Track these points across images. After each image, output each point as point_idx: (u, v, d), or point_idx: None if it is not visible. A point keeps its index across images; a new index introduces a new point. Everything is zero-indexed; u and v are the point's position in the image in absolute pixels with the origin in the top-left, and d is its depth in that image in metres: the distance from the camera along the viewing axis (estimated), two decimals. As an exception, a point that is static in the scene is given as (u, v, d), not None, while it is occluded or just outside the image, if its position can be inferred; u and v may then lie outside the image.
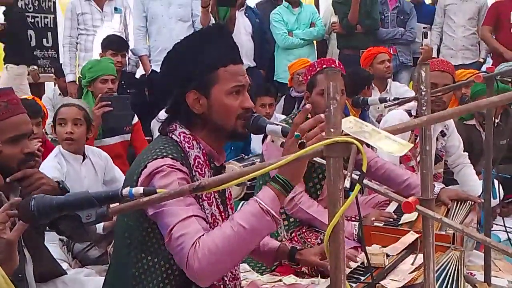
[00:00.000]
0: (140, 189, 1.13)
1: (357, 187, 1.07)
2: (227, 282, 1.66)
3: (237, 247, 1.47)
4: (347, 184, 1.03)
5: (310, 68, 2.85)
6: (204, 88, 1.63)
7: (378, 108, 4.28)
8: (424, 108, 1.48)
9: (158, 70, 4.54)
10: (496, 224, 3.21)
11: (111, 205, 1.15)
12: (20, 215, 1.12)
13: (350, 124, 1.13)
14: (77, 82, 4.49)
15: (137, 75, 5.00)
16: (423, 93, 1.47)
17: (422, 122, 1.14)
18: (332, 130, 1.08)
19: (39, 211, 1.10)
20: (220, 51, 1.64)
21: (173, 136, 1.64)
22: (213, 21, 4.56)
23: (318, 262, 2.05)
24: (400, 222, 2.45)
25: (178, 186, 1.50)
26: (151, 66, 4.73)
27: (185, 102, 1.64)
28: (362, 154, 1.05)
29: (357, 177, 1.11)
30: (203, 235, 1.47)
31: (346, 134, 1.08)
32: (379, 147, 1.07)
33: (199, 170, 1.62)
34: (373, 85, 4.69)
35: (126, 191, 1.12)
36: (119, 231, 1.65)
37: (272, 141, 1.74)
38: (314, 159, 1.65)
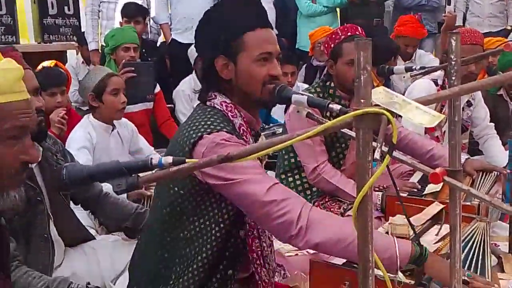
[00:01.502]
0: (169, 159, 1.14)
1: (387, 158, 1.06)
2: (265, 248, 1.69)
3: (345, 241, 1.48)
4: (377, 155, 1.02)
5: (333, 36, 2.77)
6: (231, 54, 1.63)
7: (404, 77, 4.22)
8: (454, 78, 1.45)
9: (178, 39, 4.57)
10: (522, 195, 3.18)
11: (141, 174, 1.16)
12: (53, 184, 1.14)
13: (380, 95, 1.11)
14: (100, 51, 4.50)
15: (158, 43, 5.00)
16: (453, 63, 1.44)
17: (453, 93, 1.12)
18: (362, 101, 1.07)
19: (70, 180, 1.12)
20: (246, 16, 1.64)
21: (215, 105, 1.65)
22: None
23: None
24: (424, 193, 2.44)
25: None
26: (171, 34, 4.71)
27: (214, 67, 1.64)
28: (393, 125, 1.04)
29: (386, 149, 1.10)
30: (305, 203, 1.51)
31: (376, 105, 1.07)
32: (410, 118, 1.06)
33: (244, 137, 1.63)
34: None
35: (155, 160, 1.14)
36: (163, 200, 1.65)
37: (298, 112, 1.73)
38: (343, 130, 1.65)
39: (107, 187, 2.30)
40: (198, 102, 1.72)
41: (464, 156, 2.75)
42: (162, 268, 1.64)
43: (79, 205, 2.27)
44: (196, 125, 1.58)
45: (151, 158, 1.14)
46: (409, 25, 4.63)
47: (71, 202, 2.11)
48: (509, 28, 5.52)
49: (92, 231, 2.51)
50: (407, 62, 4.63)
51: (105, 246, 2.25)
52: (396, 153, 1.52)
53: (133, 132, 3.03)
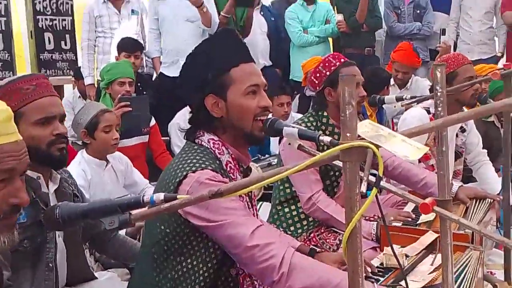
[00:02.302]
0: (161, 196, 1.15)
1: (374, 190, 1.08)
2: (257, 286, 1.69)
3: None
4: (363, 188, 1.04)
5: (327, 64, 2.80)
6: (220, 91, 1.66)
7: (395, 106, 4.27)
8: (440, 109, 1.48)
9: (165, 72, 4.64)
10: (516, 222, 3.19)
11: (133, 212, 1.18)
12: (45, 223, 1.15)
13: (366, 128, 1.14)
14: (95, 85, 4.55)
15: (154, 77, 5.05)
16: (438, 93, 1.48)
17: (437, 125, 1.15)
18: (348, 134, 1.09)
19: (63, 219, 1.13)
20: (229, 52, 1.67)
21: (203, 143, 1.67)
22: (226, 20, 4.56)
23: None
24: (419, 222, 2.45)
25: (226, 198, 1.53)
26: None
27: (204, 107, 1.67)
28: (378, 158, 1.07)
29: (374, 180, 1.12)
30: (288, 248, 1.52)
31: (362, 139, 1.10)
32: (395, 151, 1.08)
33: (231, 175, 1.65)
34: (393, 82, 4.69)
35: (147, 197, 1.15)
36: (152, 238, 1.66)
37: (289, 144, 1.76)
38: (333, 163, 1.67)
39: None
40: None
41: (457, 184, 2.77)
42: None
43: (87, 243, 2.27)
44: (182, 163, 1.60)
45: (143, 196, 1.16)
46: (403, 51, 4.71)
47: None
48: (499, 54, 5.61)
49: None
50: (402, 89, 4.68)
51: (102, 285, 2.23)
52: (387, 184, 1.55)
53: (127, 165, 3.04)
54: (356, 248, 1.09)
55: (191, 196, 1.15)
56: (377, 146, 1.09)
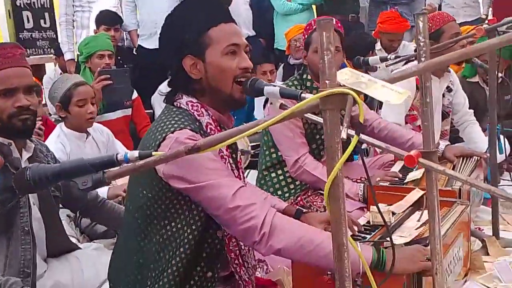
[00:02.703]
0: (135, 153, 1.11)
1: (355, 139, 1.05)
2: (243, 247, 1.67)
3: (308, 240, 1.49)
4: (343, 134, 1.00)
5: (307, 28, 2.79)
6: (198, 52, 1.60)
7: (380, 67, 4.23)
8: (423, 59, 1.44)
9: (143, 45, 4.56)
10: (503, 179, 3.19)
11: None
12: (16, 185, 1.11)
13: (346, 75, 1.10)
14: (76, 60, 4.46)
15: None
16: (421, 44, 1.44)
17: (419, 69, 1.11)
18: (327, 81, 1.05)
19: (34, 180, 1.09)
20: (208, 12, 1.62)
21: (181, 105, 1.62)
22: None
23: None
24: (406, 181, 2.43)
25: (204, 158, 1.49)
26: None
27: (183, 69, 1.62)
28: (359, 104, 1.03)
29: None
30: (270, 209, 1.51)
31: (342, 86, 1.06)
32: (377, 96, 1.04)
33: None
34: (381, 47, 4.64)
35: (121, 155, 1.11)
36: (134, 203, 1.63)
37: (271, 103, 1.72)
38: (309, 116, 1.63)
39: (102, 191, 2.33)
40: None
41: (444, 143, 2.75)
42: (139, 275, 1.61)
43: (78, 213, 2.28)
44: (161, 126, 1.56)
45: (117, 154, 1.12)
46: (391, 21, 4.65)
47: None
48: (483, 17, 5.57)
49: (73, 240, 2.48)
50: (391, 54, 4.63)
51: (88, 255, 2.23)
52: (369, 138, 1.51)
53: (109, 137, 2.99)
54: (338, 197, 1.06)
55: (166, 153, 1.11)
56: (358, 93, 1.05)
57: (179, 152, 1.09)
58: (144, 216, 1.59)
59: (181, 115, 1.59)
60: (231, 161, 1.66)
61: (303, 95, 1.56)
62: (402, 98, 1.04)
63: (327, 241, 1.41)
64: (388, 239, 1.58)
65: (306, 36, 2.74)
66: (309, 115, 1.48)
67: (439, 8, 5.61)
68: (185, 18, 1.64)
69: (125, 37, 4.67)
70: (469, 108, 3.44)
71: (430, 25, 2.99)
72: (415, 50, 3.16)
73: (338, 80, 1.07)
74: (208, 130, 1.61)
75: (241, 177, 1.73)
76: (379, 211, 1.39)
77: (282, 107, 1.74)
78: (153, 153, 1.10)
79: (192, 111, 1.61)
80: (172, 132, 1.52)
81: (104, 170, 1.11)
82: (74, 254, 2.17)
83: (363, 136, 1.49)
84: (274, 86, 1.66)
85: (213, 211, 1.52)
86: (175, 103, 1.64)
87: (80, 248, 2.24)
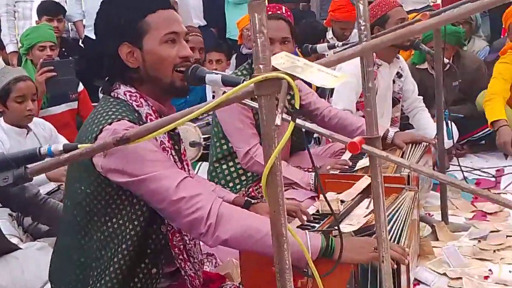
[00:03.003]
0: (59, 146, 1.04)
1: (291, 125, 1.01)
2: (187, 241, 1.61)
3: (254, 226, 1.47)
4: (278, 121, 0.96)
5: None
6: (135, 39, 1.53)
7: (327, 55, 4.23)
8: (364, 43, 1.41)
9: (90, 36, 4.43)
10: (453, 165, 3.24)
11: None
12: None
13: (282, 59, 1.06)
14: (19, 52, 4.29)
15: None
16: (362, 27, 1.41)
17: (357, 52, 1.07)
18: (261, 66, 1.00)
19: None
20: None
21: (119, 95, 1.55)
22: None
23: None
24: (356, 168, 2.42)
25: (144, 150, 1.43)
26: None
27: (119, 57, 1.54)
28: (294, 89, 0.99)
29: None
30: (216, 199, 1.47)
31: (276, 70, 1.01)
32: (312, 80, 1.00)
33: None
34: (332, 35, 4.64)
35: (44, 149, 1.04)
36: (72, 200, 1.55)
37: (213, 92, 1.66)
38: (246, 102, 1.58)
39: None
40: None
41: (393, 130, 2.76)
42: (80, 274, 1.54)
43: (18, 212, 2.20)
44: (98, 117, 1.49)
45: (40, 147, 1.04)
46: (343, 9, 4.64)
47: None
48: (431, 4, 5.64)
49: (15, 240, 2.39)
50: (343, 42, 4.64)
51: (29, 255, 2.15)
52: (308, 123, 1.48)
53: (51, 131, 2.88)
54: (276, 185, 1.01)
55: (93, 145, 1.04)
56: (293, 77, 1.01)
57: (107, 143, 1.02)
58: (83, 213, 1.51)
59: (119, 105, 1.51)
60: (173, 153, 1.60)
61: (245, 82, 1.51)
62: (338, 82, 1.00)
63: None
64: (336, 227, 1.56)
65: None
66: (247, 101, 1.43)
67: (389, -3, 5.66)
68: (121, 3, 1.56)
69: (70, 28, 4.52)
70: (419, 95, 3.47)
71: (376, 10, 2.99)
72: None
73: (272, 65, 1.03)
74: (148, 121, 1.54)
75: (186, 169, 1.67)
76: (326, 200, 1.36)
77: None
78: (79, 145, 1.03)
79: (131, 101, 1.54)
80: (110, 124, 1.44)
81: (27, 165, 1.03)
82: (14, 255, 2.10)
83: (307, 124, 1.45)
84: (217, 74, 1.61)
85: (157, 204, 1.46)
86: (112, 93, 1.57)
87: (20, 248, 2.16)
